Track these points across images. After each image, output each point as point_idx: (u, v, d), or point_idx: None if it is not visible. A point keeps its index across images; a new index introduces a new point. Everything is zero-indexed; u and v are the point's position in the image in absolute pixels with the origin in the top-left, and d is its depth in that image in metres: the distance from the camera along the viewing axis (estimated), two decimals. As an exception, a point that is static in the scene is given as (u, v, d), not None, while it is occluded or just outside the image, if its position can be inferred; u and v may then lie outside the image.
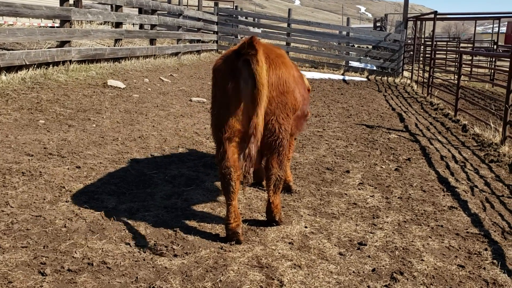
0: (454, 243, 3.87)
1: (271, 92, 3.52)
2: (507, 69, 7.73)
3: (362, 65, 19.66)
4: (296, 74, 3.98)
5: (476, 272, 3.41)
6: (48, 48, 9.41)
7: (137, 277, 3.08)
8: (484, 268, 3.46)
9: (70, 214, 3.91)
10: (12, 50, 8.58)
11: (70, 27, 9.76)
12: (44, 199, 4.15)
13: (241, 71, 3.45)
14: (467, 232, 4.09)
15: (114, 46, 11.80)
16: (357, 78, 17.40)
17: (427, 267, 3.44)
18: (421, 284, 3.20)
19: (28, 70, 8.34)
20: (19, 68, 8.22)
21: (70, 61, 9.49)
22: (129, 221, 3.88)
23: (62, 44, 9.51)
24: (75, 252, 3.32)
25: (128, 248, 3.45)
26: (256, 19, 24.22)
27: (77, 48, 9.85)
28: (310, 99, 4.92)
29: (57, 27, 10.60)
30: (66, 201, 4.16)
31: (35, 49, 9.17)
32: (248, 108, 3.45)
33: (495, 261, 3.58)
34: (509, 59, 7.61)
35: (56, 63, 9.13)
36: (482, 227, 4.21)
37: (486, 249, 3.77)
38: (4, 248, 3.29)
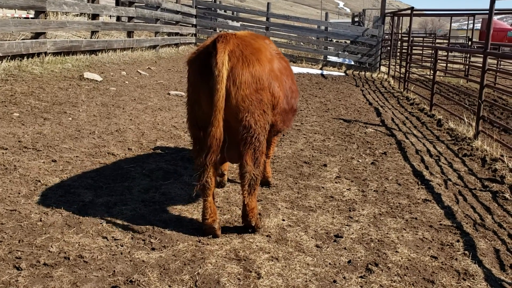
0: (427, 235, 3.96)
1: (244, 91, 3.44)
2: (481, 65, 7.90)
3: (340, 60, 19.79)
4: (278, 66, 3.82)
5: (448, 263, 3.50)
6: (23, 39, 9.22)
7: (114, 271, 3.07)
8: (456, 259, 3.56)
9: (46, 208, 3.87)
10: (-15, 41, 8.39)
11: (45, 18, 9.57)
12: (19, 193, 4.10)
13: (211, 68, 3.39)
14: (440, 224, 4.19)
15: (91, 38, 11.62)
16: (335, 72, 17.52)
17: (401, 258, 3.52)
18: (395, 275, 3.28)
19: (1, 62, 8.16)
20: (-8, 59, 8.04)
21: (45, 53, 9.31)
22: (106, 215, 3.86)
23: (37, 35, 9.32)
24: (51, 246, 3.29)
25: (105, 242, 3.43)
26: (235, 12, 24.13)
27: (53, 40, 9.66)
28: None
29: (31, 18, 10.36)
30: (42, 195, 4.11)
31: (8, 40, 8.97)
32: (212, 105, 3.34)
33: (466, 252, 3.68)
34: (482, 56, 7.77)
35: (30, 55, 8.95)
36: (455, 219, 4.32)
37: (458, 241, 3.87)
38: (-23, 242, 3.24)
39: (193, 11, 19.30)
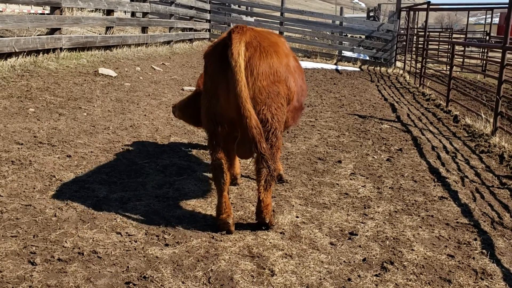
0: (444, 233, 3.89)
1: (261, 82, 3.41)
2: (499, 60, 7.75)
3: (355, 55, 19.62)
4: (293, 63, 3.83)
5: (466, 261, 3.44)
6: (38, 35, 9.30)
7: (128, 267, 3.07)
8: (474, 258, 3.49)
9: (60, 204, 3.89)
10: (1, 37, 8.46)
11: (61, 14, 9.62)
12: (34, 188, 4.12)
13: (228, 60, 3.35)
14: (457, 222, 4.12)
15: (106, 34, 11.67)
16: (350, 68, 17.38)
17: (417, 256, 3.46)
18: (411, 273, 3.23)
19: (17, 58, 8.23)
20: (9, 55, 8.11)
21: (61, 49, 9.37)
22: (120, 211, 3.87)
23: (52, 31, 9.38)
24: (66, 241, 3.31)
25: (119, 238, 3.44)
26: (249, 7, 24.04)
27: (68, 36, 9.72)
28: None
29: (47, 14, 10.44)
30: (57, 190, 4.13)
31: (24, 36, 9.04)
32: (237, 98, 3.32)
33: (484, 251, 3.61)
34: (501, 50, 7.63)
35: (46, 51, 9.01)
36: (472, 217, 4.25)
37: (475, 239, 3.80)
38: (-7, 237, 3.26)
39: (207, 6, 19.28)
